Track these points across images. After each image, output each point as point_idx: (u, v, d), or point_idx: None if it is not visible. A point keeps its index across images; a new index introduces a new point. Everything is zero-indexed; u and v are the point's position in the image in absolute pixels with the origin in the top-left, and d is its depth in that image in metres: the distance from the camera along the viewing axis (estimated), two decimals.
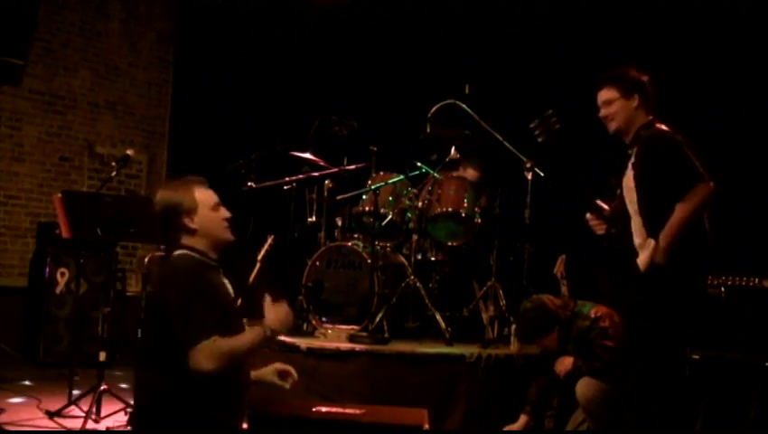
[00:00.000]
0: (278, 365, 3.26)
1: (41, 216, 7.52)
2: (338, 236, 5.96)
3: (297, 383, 3.29)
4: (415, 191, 5.73)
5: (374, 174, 5.76)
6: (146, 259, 5.34)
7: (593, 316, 4.33)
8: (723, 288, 4.74)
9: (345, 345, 4.84)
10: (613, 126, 3.79)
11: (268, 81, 7.96)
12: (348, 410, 3.12)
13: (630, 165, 3.74)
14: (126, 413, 4.72)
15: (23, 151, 7.56)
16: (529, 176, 5.25)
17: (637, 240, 3.63)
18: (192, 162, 7.10)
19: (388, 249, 5.87)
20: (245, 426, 2.98)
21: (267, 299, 2.95)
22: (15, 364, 6.47)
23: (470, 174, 5.94)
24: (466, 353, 4.72)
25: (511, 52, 6.96)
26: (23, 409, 5.04)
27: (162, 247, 5.01)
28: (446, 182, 5.55)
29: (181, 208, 3.02)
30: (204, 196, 3.07)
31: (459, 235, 5.57)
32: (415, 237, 5.65)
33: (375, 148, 5.82)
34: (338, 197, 5.79)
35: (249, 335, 2.93)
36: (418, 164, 5.69)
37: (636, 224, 3.66)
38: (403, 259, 5.75)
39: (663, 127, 3.72)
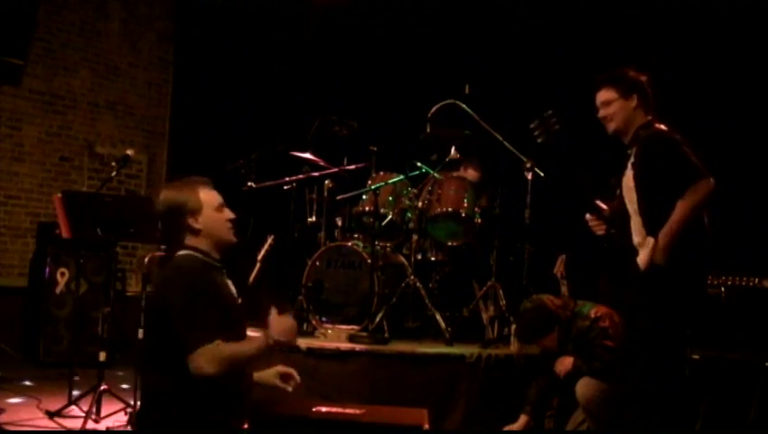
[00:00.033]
0: (280, 368, 3.25)
1: (41, 216, 7.52)
2: (338, 236, 5.96)
3: (298, 384, 3.29)
4: (415, 191, 5.73)
5: (374, 174, 5.75)
6: (146, 259, 5.32)
7: (593, 315, 4.34)
8: (723, 288, 4.74)
9: (345, 345, 4.84)
10: (612, 126, 3.79)
11: (268, 81, 7.96)
12: (348, 410, 3.11)
13: (629, 165, 3.74)
14: (126, 413, 4.72)
15: (23, 151, 7.56)
16: (529, 176, 5.26)
17: (636, 239, 3.63)
18: (192, 162, 7.10)
19: (388, 249, 5.86)
20: (245, 426, 2.98)
21: (273, 312, 2.93)
22: (15, 364, 6.47)
23: (470, 174, 5.95)
24: (466, 353, 4.72)
25: (511, 53, 6.96)
26: (23, 409, 5.04)
27: (162, 247, 5.00)
28: (446, 182, 5.54)
29: (185, 208, 3.01)
30: (209, 197, 3.06)
31: (459, 235, 5.56)
32: (415, 237, 5.65)
33: (375, 148, 5.82)
34: (338, 197, 5.79)
35: (252, 344, 2.91)
36: (418, 164, 5.69)
37: (636, 224, 3.66)
38: (403, 259, 5.75)
39: (662, 126, 3.72)
